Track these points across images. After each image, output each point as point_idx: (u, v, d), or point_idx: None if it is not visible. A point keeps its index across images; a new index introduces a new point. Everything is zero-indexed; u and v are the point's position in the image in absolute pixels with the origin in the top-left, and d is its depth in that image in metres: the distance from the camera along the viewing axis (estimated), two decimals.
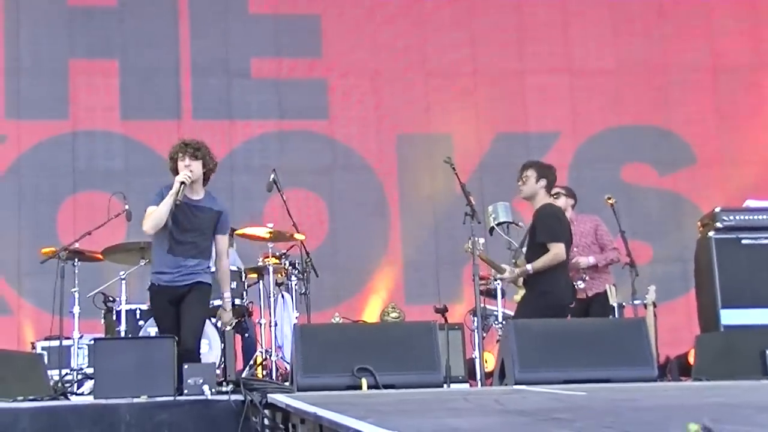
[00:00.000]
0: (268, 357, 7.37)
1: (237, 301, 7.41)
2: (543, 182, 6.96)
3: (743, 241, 7.48)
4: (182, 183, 5.98)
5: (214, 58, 10.40)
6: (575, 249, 7.82)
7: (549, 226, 6.77)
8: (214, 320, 7.24)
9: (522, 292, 7.05)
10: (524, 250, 6.86)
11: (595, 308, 7.59)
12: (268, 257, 7.67)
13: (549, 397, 4.70)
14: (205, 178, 6.23)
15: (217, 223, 6.17)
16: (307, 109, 10.46)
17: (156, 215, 6.00)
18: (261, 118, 10.41)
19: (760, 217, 7.67)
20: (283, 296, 7.84)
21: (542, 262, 6.65)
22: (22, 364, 6.09)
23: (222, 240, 6.26)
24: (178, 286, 6.09)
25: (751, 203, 7.82)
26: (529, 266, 6.69)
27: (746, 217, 7.58)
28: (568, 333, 6.05)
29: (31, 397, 5.31)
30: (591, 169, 10.29)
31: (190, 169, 6.06)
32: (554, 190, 8.03)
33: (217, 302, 7.30)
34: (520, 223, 7.66)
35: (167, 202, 5.98)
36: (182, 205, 6.00)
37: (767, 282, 7.75)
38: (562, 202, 7.98)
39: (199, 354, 6.31)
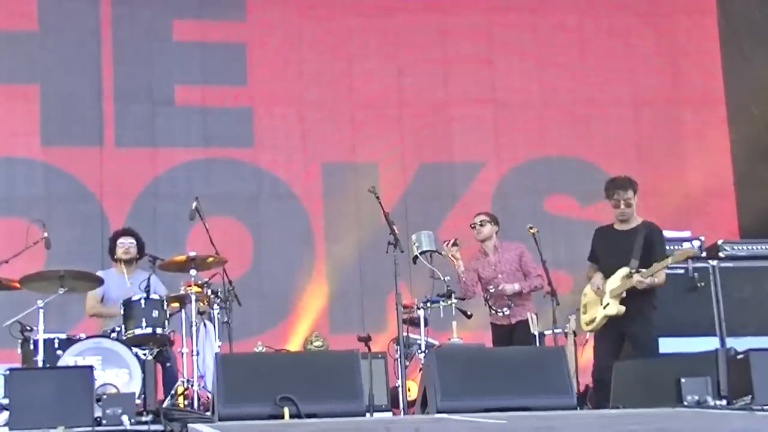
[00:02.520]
0: (189, 387, 7.28)
1: (159, 330, 7.34)
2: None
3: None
4: None
5: (137, 84, 10.29)
6: (500, 275, 7.93)
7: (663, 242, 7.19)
8: (135, 350, 7.14)
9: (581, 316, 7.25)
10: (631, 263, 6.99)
11: (518, 335, 7.69)
12: (190, 285, 7.59)
13: (470, 426, 4.74)
14: None
15: None
16: (233, 137, 10.41)
17: None
18: (185, 146, 10.33)
19: (677, 247, 7.86)
20: (205, 325, 7.76)
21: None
22: None
23: None
24: None
25: (668, 234, 7.98)
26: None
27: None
28: (490, 361, 6.11)
29: None
30: (514, 199, 10.41)
31: None
32: (479, 218, 8.16)
33: (138, 331, 7.26)
34: (442, 252, 7.74)
35: None
36: None
37: (686, 310, 7.96)
38: (487, 229, 8.09)
39: None
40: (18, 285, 7.44)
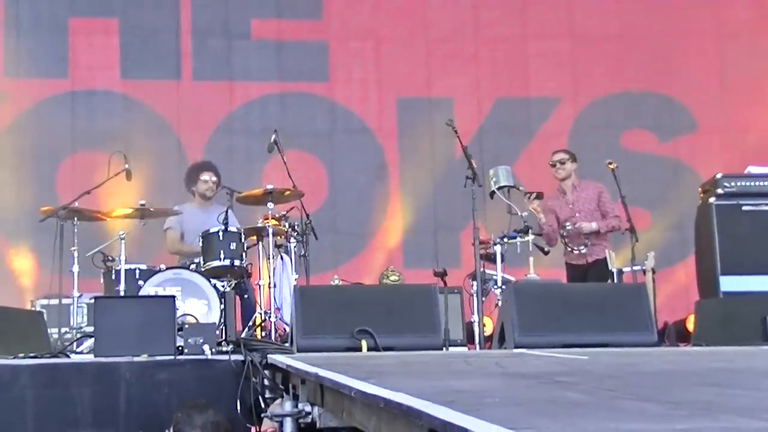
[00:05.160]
0: (267, 318, 7.36)
1: (236, 262, 7.42)
2: None
3: (744, 208, 7.46)
4: None
5: (214, 18, 10.31)
6: (578, 214, 7.84)
7: None
8: (213, 281, 7.24)
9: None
10: None
11: (593, 274, 7.62)
12: (267, 219, 7.64)
13: (550, 360, 4.71)
14: None
15: None
16: (308, 71, 10.39)
17: None
18: (261, 80, 10.34)
19: (762, 183, 7.64)
20: (282, 258, 7.81)
21: None
22: (23, 321, 6.09)
23: None
24: None
25: (752, 170, 7.80)
26: None
27: (747, 184, 7.56)
28: (568, 298, 6.06)
29: (31, 354, 5.30)
30: (591, 135, 10.26)
31: None
32: (559, 156, 8.04)
33: (216, 263, 7.35)
34: (520, 187, 7.67)
35: None
36: None
37: (767, 249, 7.77)
38: (568, 167, 7.99)
39: None
40: (101, 216, 7.56)
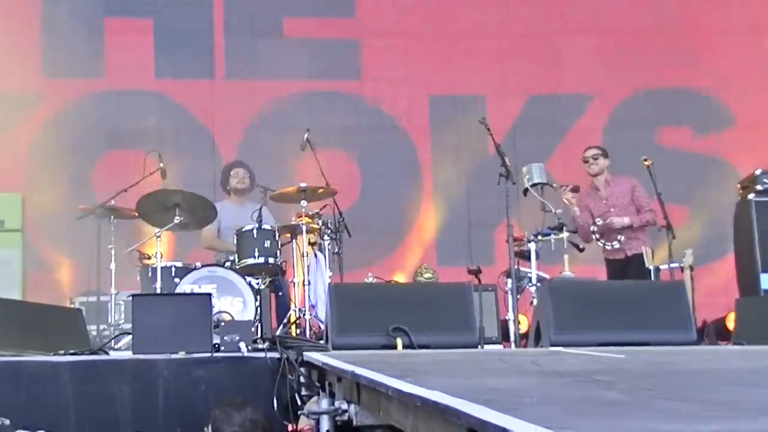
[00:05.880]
0: (301, 316, 7.40)
1: (271, 260, 7.45)
2: None
3: None
4: None
5: (246, 16, 10.36)
6: (612, 209, 7.80)
7: None
8: (248, 279, 7.27)
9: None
10: None
11: (632, 268, 7.56)
12: (300, 217, 7.67)
13: (587, 359, 4.69)
14: None
15: None
16: (339, 69, 10.41)
17: None
18: (293, 78, 10.36)
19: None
20: (316, 255, 7.84)
21: None
22: (63, 319, 6.14)
23: None
24: None
25: None
26: None
27: None
28: (605, 295, 6.03)
29: (71, 351, 5.36)
30: (625, 131, 10.19)
31: None
32: (592, 152, 8.01)
33: (250, 261, 7.38)
34: (554, 184, 7.64)
35: None
36: None
37: None
38: (601, 163, 7.97)
39: None
40: (136, 214, 7.62)
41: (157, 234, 7.38)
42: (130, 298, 6.30)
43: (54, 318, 6.02)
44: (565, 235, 7.39)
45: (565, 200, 7.64)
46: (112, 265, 7.47)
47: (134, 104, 10.01)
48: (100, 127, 9.84)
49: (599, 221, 7.73)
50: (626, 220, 7.69)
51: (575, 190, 7.69)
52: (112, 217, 7.59)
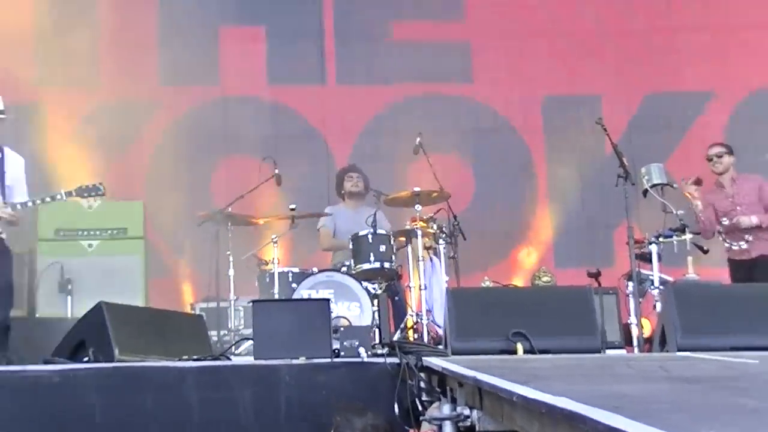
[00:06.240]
0: (418, 320, 7.37)
1: (386, 265, 7.45)
2: None
3: None
4: None
5: (356, 21, 10.41)
6: (738, 208, 7.56)
7: None
8: (365, 284, 7.28)
9: None
10: None
11: (760, 270, 7.31)
12: (415, 221, 7.65)
13: (718, 364, 4.54)
14: None
15: None
16: (450, 72, 10.37)
17: None
18: (404, 81, 10.36)
19: None
20: (431, 259, 7.82)
21: None
22: (186, 325, 6.25)
23: None
24: None
25: None
26: None
27: None
28: (733, 298, 5.82)
29: (195, 357, 5.44)
30: (748, 129, 9.88)
31: None
32: (716, 149, 7.79)
33: (366, 266, 7.39)
34: (674, 185, 7.45)
35: None
36: None
37: None
38: (726, 160, 7.74)
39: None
40: (254, 220, 7.72)
41: (274, 239, 7.46)
42: (249, 303, 6.37)
43: (177, 324, 6.13)
44: (688, 236, 7.19)
45: (686, 194, 7.45)
46: (231, 271, 7.58)
47: (248, 111, 10.14)
48: (216, 134, 9.99)
49: (725, 220, 7.51)
50: (754, 220, 7.44)
51: (698, 182, 7.49)
52: (229, 223, 7.70)
